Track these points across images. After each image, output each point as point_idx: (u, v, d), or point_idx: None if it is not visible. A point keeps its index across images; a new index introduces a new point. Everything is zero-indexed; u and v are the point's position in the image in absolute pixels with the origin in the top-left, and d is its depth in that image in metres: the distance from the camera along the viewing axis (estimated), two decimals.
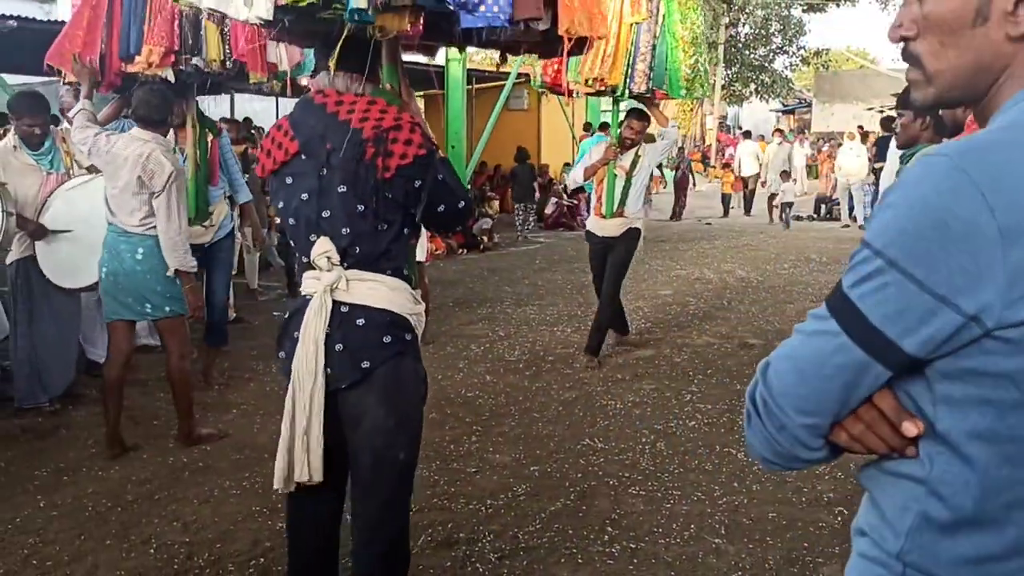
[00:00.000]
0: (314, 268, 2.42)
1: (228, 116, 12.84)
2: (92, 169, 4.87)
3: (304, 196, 2.42)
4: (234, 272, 7.75)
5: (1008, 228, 0.87)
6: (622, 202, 6.30)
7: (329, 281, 2.37)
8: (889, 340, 0.95)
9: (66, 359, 5.26)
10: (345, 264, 2.39)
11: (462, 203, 2.54)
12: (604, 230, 6.40)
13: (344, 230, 2.38)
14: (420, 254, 7.44)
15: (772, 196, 16.50)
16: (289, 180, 2.46)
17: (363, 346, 2.38)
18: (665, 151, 6.65)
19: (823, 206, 17.64)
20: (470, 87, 13.49)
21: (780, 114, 35.49)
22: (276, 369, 2.81)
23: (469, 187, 13.66)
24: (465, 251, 12.23)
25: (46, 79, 5.76)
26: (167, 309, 4.38)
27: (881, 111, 18.84)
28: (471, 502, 3.95)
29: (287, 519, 2.67)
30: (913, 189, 0.94)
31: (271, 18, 2.39)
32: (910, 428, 0.99)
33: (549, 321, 7.84)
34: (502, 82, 14.80)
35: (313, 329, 2.36)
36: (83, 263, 4.74)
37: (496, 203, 14.73)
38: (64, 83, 5.03)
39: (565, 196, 15.47)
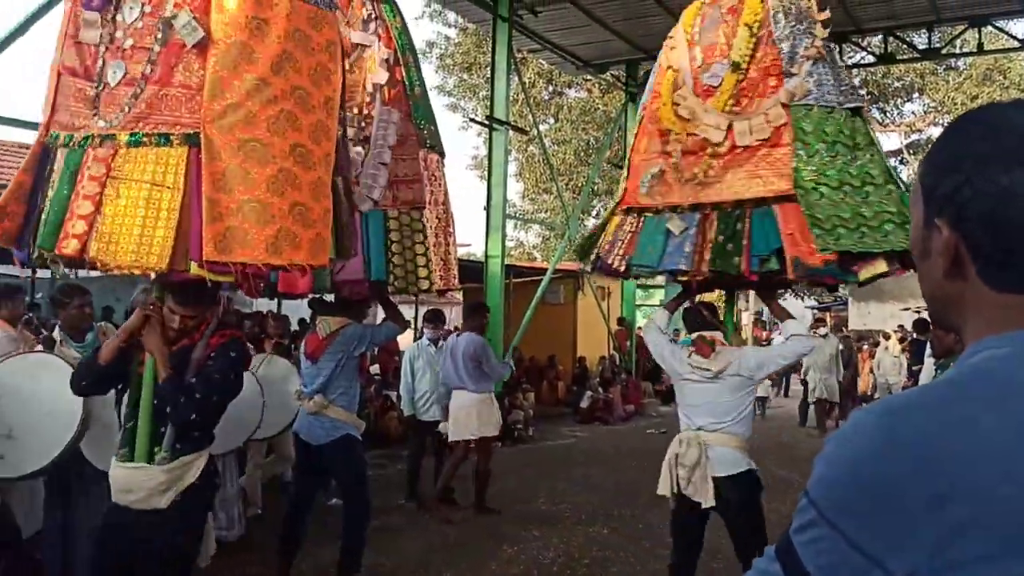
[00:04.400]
0: None
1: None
2: None
3: None
4: (264, 460, 7.73)
5: (933, 493, 0.85)
6: None
7: None
8: None
9: None
10: None
11: None
12: None
13: None
14: (488, 429, 7.54)
15: (820, 401, 14.30)
16: None
17: None
18: (787, 358, 4.77)
19: (864, 405, 17.35)
20: (508, 281, 13.84)
21: (816, 311, 35.65)
22: None
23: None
24: (500, 444, 12.11)
25: (105, 272, 6.04)
26: None
27: (917, 311, 18.87)
28: None
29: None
30: (843, 445, 0.94)
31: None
32: None
33: (584, 520, 7.63)
34: (539, 277, 15.21)
35: None
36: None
37: (531, 395, 14.71)
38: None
39: (600, 390, 15.45)
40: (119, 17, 3.29)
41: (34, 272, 11.59)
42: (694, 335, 4.63)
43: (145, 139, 3.17)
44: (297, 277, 4.64)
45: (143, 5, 3.24)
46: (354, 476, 5.38)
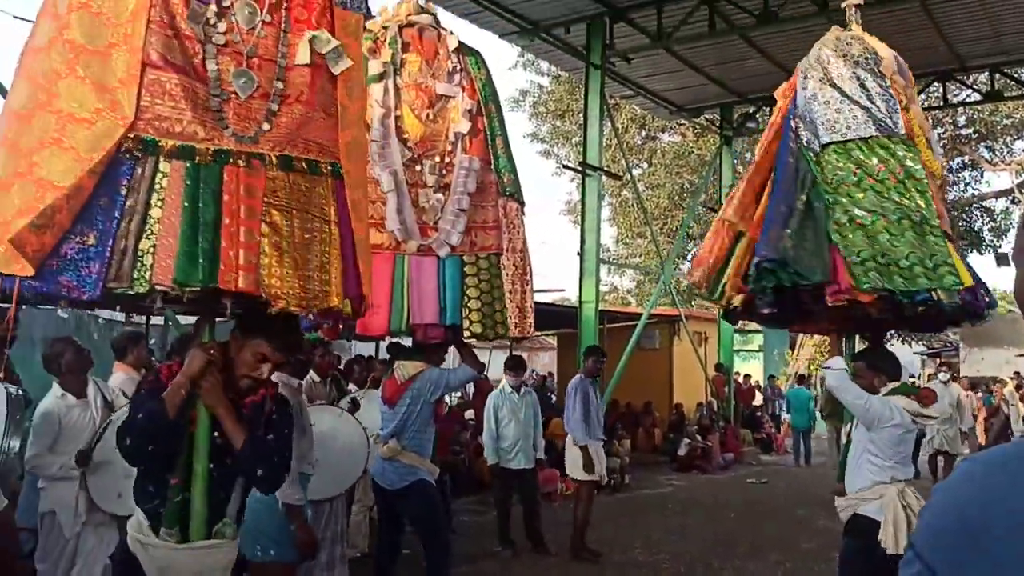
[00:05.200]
0: None
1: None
2: None
3: None
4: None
5: None
6: (841, 474, 4.73)
7: None
8: None
9: None
10: None
11: None
12: (839, 507, 4.63)
13: None
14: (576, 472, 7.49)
15: (936, 453, 12.82)
16: None
17: None
18: (871, 418, 4.41)
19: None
20: (603, 326, 13.77)
21: (926, 357, 34.20)
22: None
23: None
24: (596, 491, 11.95)
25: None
26: (271, 553, 4.15)
27: None
28: None
29: None
30: (949, 494, 0.92)
31: None
32: None
33: (683, 572, 7.43)
34: (634, 322, 15.09)
35: None
36: None
37: (627, 442, 14.51)
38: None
39: (698, 437, 15.13)
40: (232, 18, 2.85)
41: (148, 318, 12.11)
42: (893, 384, 4.56)
43: (296, 164, 2.87)
44: (372, 319, 4.74)
45: (261, 12, 2.90)
46: (429, 522, 5.37)
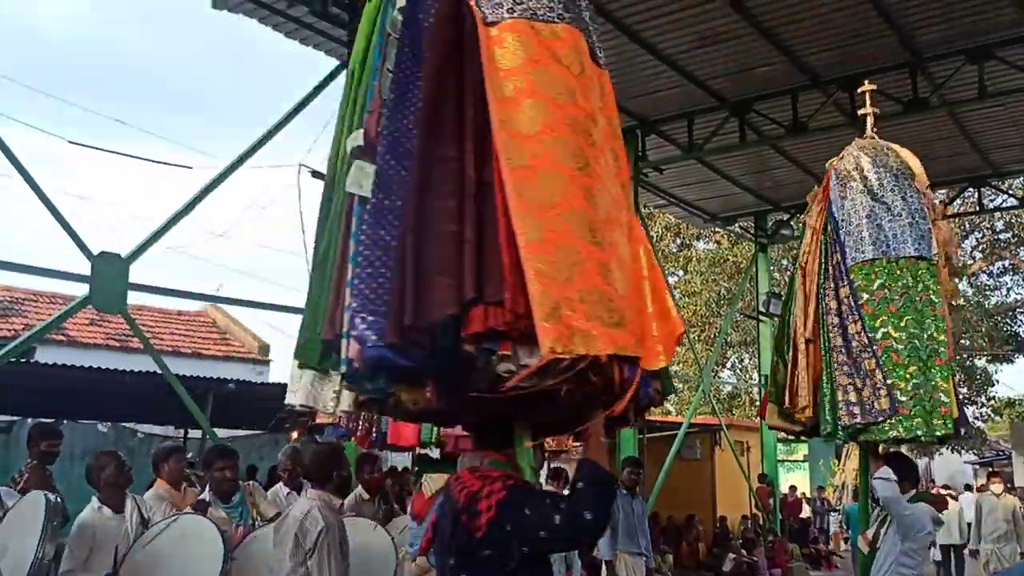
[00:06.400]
0: None
1: None
2: (275, 519, 5.07)
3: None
4: None
5: None
6: None
7: None
8: None
9: None
10: None
11: (557, 518, 2.45)
12: None
13: None
14: None
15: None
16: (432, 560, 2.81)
17: None
18: (911, 527, 4.55)
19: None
20: (642, 436, 13.54)
21: (977, 467, 33.04)
22: None
23: None
24: None
25: (251, 432, 6.23)
26: None
27: None
28: None
29: None
30: None
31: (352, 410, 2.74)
32: None
33: None
34: (674, 431, 14.83)
35: None
36: None
37: (670, 557, 14.06)
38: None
39: (743, 552, 14.63)
40: None
41: (186, 432, 12.18)
42: (913, 491, 4.76)
43: None
44: (404, 429, 4.64)
45: None
46: None
